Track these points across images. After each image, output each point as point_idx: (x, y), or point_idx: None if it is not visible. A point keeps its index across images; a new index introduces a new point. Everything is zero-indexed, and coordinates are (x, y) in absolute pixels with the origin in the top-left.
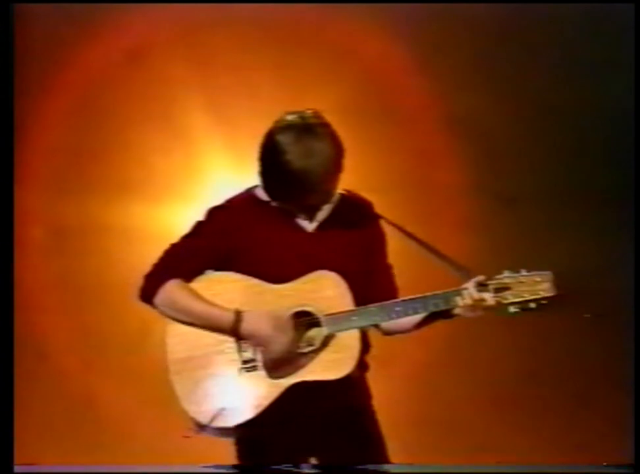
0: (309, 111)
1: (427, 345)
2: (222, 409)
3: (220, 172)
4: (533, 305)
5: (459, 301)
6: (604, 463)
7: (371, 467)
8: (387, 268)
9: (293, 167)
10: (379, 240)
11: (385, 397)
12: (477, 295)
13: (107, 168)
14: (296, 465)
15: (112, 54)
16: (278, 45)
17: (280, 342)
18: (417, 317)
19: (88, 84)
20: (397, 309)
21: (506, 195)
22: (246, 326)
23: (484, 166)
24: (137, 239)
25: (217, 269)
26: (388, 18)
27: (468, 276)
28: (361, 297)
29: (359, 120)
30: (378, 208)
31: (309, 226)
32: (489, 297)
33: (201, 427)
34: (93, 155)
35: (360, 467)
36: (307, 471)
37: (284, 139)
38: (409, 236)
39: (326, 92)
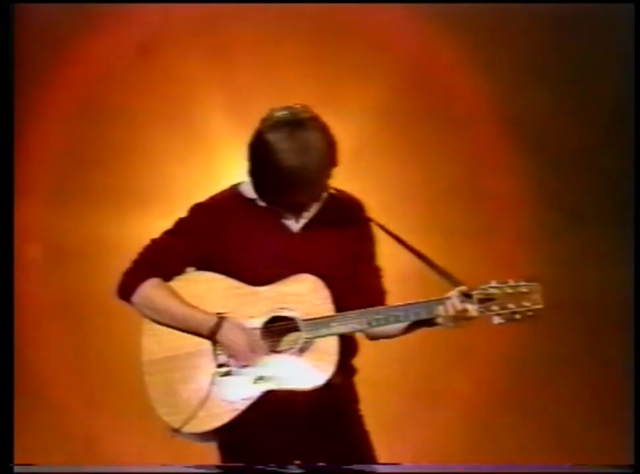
0: (298, 106)
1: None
2: (196, 414)
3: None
4: (517, 316)
5: (442, 310)
6: (604, 463)
7: (356, 467)
8: (374, 272)
9: (287, 165)
10: (367, 242)
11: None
12: (459, 305)
13: (115, 179)
14: (281, 466)
15: (120, 49)
16: (307, 39)
17: (250, 359)
18: (401, 324)
19: (93, 83)
20: (377, 316)
21: (570, 209)
22: (224, 334)
23: (545, 175)
24: None
25: (198, 268)
26: (434, 9)
27: (456, 285)
28: (346, 301)
29: (402, 123)
30: (428, 219)
31: (295, 226)
32: (472, 308)
33: (175, 431)
34: (99, 164)
35: (346, 467)
36: (292, 471)
37: (275, 137)
38: (398, 240)
39: (364, 91)
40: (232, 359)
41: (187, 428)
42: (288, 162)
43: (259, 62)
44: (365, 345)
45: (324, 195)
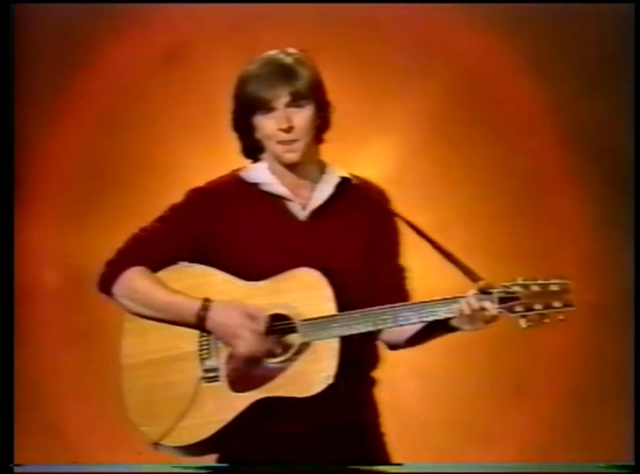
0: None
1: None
2: (176, 424)
3: None
4: (546, 319)
5: (457, 310)
6: (604, 463)
7: (363, 468)
8: (396, 271)
9: (257, 95)
10: (389, 237)
11: None
12: (476, 303)
13: (136, 197)
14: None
15: (145, 55)
16: (348, 43)
17: (249, 338)
18: (411, 330)
19: (112, 92)
20: (384, 317)
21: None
22: (214, 316)
23: (612, 195)
24: None
25: (191, 259)
26: (491, 11)
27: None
28: (360, 300)
29: (453, 133)
30: (482, 241)
31: (301, 213)
32: (491, 307)
33: (155, 444)
34: (118, 181)
35: (352, 467)
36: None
37: (250, 69)
38: (422, 235)
39: (410, 100)
40: (223, 355)
41: (167, 441)
42: (257, 93)
43: None
44: (411, 377)
45: (335, 178)
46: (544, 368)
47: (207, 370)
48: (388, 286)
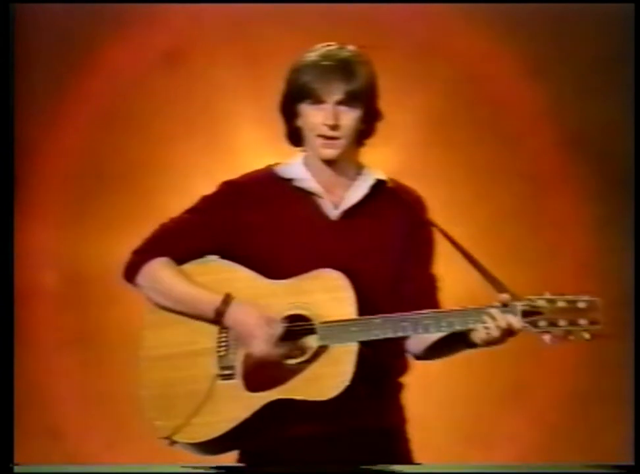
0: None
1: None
2: (189, 420)
3: None
4: (571, 337)
5: (478, 322)
6: (604, 463)
7: (374, 467)
8: (426, 279)
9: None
10: (423, 245)
11: None
12: (499, 316)
13: (137, 198)
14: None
15: (144, 57)
16: (351, 43)
17: (264, 341)
18: (431, 339)
19: (112, 94)
20: (404, 324)
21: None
22: (232, 313)
23: (613, 196)
24: None
25: (218, 252)
26: (491, 13)
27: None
28: (386, 306)
29: (452, 136)
30: (482, 243)
31: (333, 212)
32: (516, 321)
33: (168, 439)
34: (118, 182)
35: (365, 467)
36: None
37: (311, 57)
38: (455, 244)
39: (410, 102)
40: (239, 351)
41: (179, 437)
42: (310, 84)
43: None
44: (411, 380)
45: (370, 179)
46: (543, 370)
47: (223, 368)
48: (416, 294)
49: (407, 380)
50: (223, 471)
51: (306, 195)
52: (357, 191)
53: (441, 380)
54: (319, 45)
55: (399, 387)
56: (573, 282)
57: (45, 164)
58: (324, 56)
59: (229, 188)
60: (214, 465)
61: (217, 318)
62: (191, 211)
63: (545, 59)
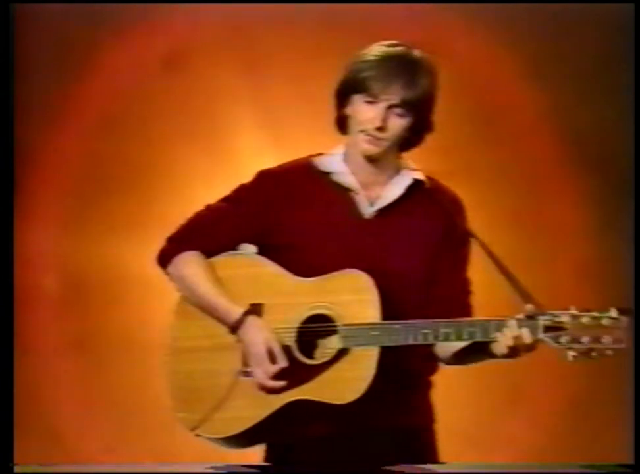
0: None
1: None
2: (211, 416)
3: None
4: (594, 353)
5: (499, 334)
6: (604, 463)
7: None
8: (458, 283)
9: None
10: (455, 247)
11: None
12: (516, 328)
13: (136, 203)
14: None
15: (144, 61)
16: (347, 48)
17: (260, 374)
18: (457, 346)
19: (112, 97)
20: (425, 331)
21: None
22: (243, 333)
23: (612, 200)
24: None
25: (253, 244)
26: (489, 15)
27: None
28: (415, 308)
29: (450, 141)
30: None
31: (368, 209)
32: (527, 336)
33: (194, 431)
34: (118, 187)
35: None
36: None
37: (378, 52)
38: (486, 250)
39: None
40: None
41: (201, 431)
42: (373, 80)
43: (293, 75)
44: None
45: (408, 177)
46: (543, 373)
47: (245, 364)
48: (447, 298)
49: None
50: (253, 469)
51: (342, 190)
52: (394, 190)
53: (440, 383)
54: (388, 42)
55: (428, 386)
56: (572, 286)
57: (45, 168)
58: (391, 57)
59: (265, 178)
60: (217, 464)
61: (232, 332)
62: (227, 200)
63: (544, 61)
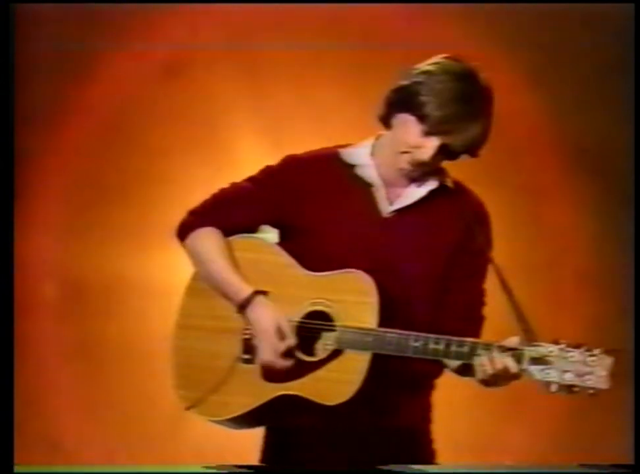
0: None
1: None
2: (207, 397)
3: None
4: (576, 389)
5: (485, 360)
6: (604, 463)
7: (391, 467)
8: (471, 292)
9: (425, 112)
10: (472, 254)
11: None
12: (499, 360)
13: (137, 211)
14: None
15: (143, 68)
16: (348, 55)
17: (268, 352)
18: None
19: (112, 105)
20: (415, 345)
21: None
22: (252, 311)
23: (612, 208)
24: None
25: (272, 225)
26: (487, 22)
27: (528, 338)
28: (424, 314)
29: None
30: None
31: (388, 207)
32: (513, 366)
33: (188, 409)
34: (119, 195)
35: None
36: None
37: (430, 78)
38: (493, 266)
39: None
40: (254, 343)
41: (196, 411)
42: (427, 108)
43: (294, 82)
44: None
45: (433, 180)
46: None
47: (245, 351)
48: (458, 306)
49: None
50: (245, 469)
51: (364, 185)
52: (416, 191)
53: (439, 389)
54: (458, 63)
55: (430, 388)
56: (571, 294)
57: (45, 175)
58: (463, 97)
59: (291, 163)
60: (211, 465)
61: (239, 311)
62: (251, 180)
63: (544, 69)
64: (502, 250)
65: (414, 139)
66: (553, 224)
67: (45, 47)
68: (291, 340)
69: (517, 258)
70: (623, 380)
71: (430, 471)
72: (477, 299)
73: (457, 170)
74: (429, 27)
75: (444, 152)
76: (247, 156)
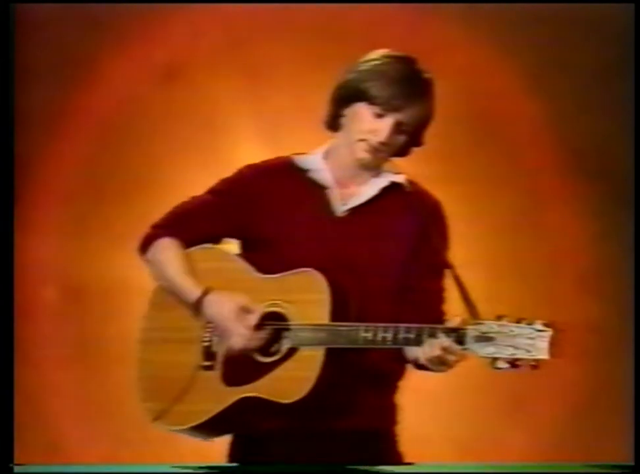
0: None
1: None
2: (171, 407)
3: None
4: (519, 362)
5: (426, 344)
6: (604, 463)
7: (361, 467)
8: (431, 289)
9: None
10: (434, 253)
11: None
12: (446, 341)
13: (137, 214)
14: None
15: (143, 72)
16: (348, 59)
17: (238, 335)
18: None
19: (112, 109)
20: (365, 335)
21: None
22: (209, 305)
23: (612, 210)
24: None
25: (234, 237)
26: (488, 25)
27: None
28: (383, 311)
29: (449, 151)
30: (478, 257)
31: (341, 208)
32: (452, 347)
33: (156, 420)
34: (118, 197)
35: (350, 467)
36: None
37: (393, 67)
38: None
39: None
40: (220, 344)
41: (162, 422)
42: (371, 90)
43: (293, 85)
44: (409, 392)
45: (385, 178)
46: (542, 380)
47: (205, 358)
48: (418, 303)
49: (402, 392)
50: (215, 470)
51: (318, 188)
52: (369, 190)
53: (438, 392)
54: (394, 53)
55: (393, 389)
56: (572, 295)
57: (45, 178)
58: (407, 77)
59: (247, 173)
60: (205, 465)
61: (196, 310)
62: (211, 192)
63: (544, 72)
64: (502, 252)
65: (368, 124)
66: (553, 225)
67: (45, 48)
68: (259, 310)
69: (518, 260)
70: (576, 354)
71: (398, 471)
72: (436, 295)
73: (457, 170)
74: (430, 29)
75: (399, 131)
76: (247, 159)
